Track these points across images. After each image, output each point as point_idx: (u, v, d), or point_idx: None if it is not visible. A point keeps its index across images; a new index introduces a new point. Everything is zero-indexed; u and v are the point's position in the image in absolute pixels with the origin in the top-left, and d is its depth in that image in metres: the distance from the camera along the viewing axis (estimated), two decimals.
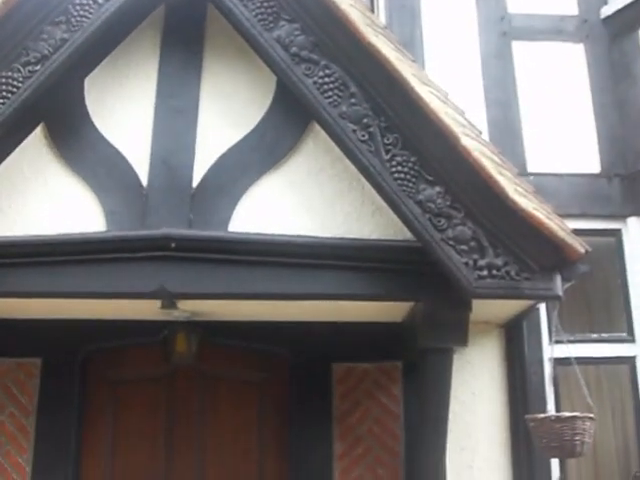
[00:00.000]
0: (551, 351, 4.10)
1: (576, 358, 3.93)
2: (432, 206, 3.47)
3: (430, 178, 3.51)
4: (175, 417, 4.37)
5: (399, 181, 3.50)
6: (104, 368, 4.43)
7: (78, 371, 4.32)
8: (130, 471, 4.28)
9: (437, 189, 3.49)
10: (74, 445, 4.16)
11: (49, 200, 3.79)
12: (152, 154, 3.79)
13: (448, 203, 3.48)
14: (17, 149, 3.78)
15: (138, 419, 4.36)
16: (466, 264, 3.42)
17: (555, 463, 4.36)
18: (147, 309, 3.90)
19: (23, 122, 3.72)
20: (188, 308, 3.91)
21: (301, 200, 3.74)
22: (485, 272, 3.43)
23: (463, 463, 4.19)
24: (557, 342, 4.01)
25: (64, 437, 4.18)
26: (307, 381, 4.26)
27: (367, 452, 4.20)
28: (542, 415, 3.71)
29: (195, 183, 3.75)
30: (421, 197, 3.48)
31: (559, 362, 4.17)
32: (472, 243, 3.45)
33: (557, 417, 3.61)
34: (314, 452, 4.17)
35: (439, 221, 3.45)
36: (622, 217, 4.85)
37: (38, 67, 3.64)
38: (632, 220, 4.83)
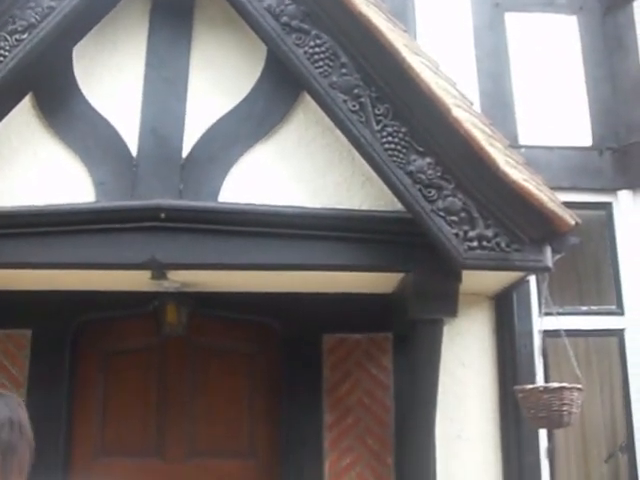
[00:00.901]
0: (540, 323, 4.12)
1: (565, 330, 3.93)
2: (422, 177, 3.46)
3: (421, 149, 3.50)
4: (166, 387, 4.39)
5: (390, 152, 3.49)
6: (95, 339, 4.43)
7: (69, 342, 4.31)
8: (122, 440, 4.29)
9: (428, 160, 3.48)
10: (65, 415, 4.17)
11: (38, 171, 3.76)
12: (142, 124, 3.76)
13: (439, 174, 3.47)
14: (5, 119, 3.72)
15: (129, 389, 4.37)
16: (456, 235, 3.42)
17: (543, 434, 4.39)
18: (137, 280, 3.90)
19: (11, 92, 3.68)
20: (178, 279, 3.91)
21: (291, 170, 3.73)
22: (475, 243, 3.43)
23: (452, 433, 4.21)
24: (547, 314, 4.02)
25: (55, 408, 4.18)
26: (297, 352, 4.27)
27: (357, 422, 4.22)
28: (530, 386, 3.72)
29: (185, 153, 3.72)
30: (412, 168, 3.47)
31: (548, 334, 4.19)
32: (462, 214, 3.45)
33: (545, 388, 3.63)
34: (304, 422, 4.19)
35: (429, 192, 3.45)
36: (613, 190, 4.84)
37: (25, 35, 3.59)
38: (623, 193, 4.82)
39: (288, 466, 4.19)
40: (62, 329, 4.30)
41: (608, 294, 4.79)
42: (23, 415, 2.15)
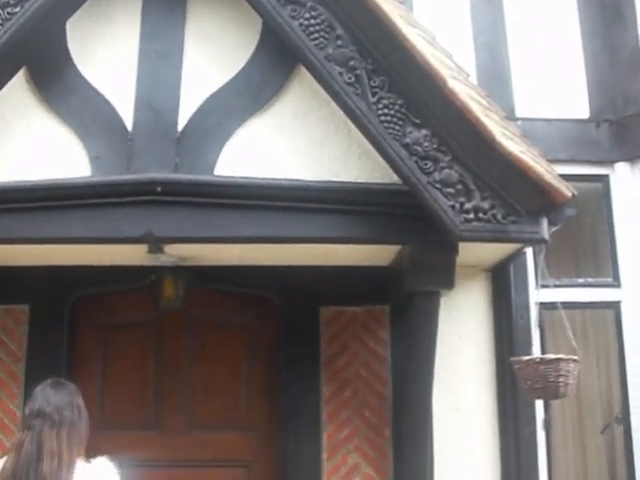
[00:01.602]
0: (537, 295, 4.13)
1: (562, 303, 3.95)
2: (419, 149, 3.45)
3: (417, 121, 3.47)
4: (164, 361, 4.42)
5: (385, 124, 3.47)
6: (93, 314, 4.45)
7: (66, 317, 4.33)
8: (120, 413, 4.32)
9: (424, 132, 3.46)
10: None
11: (33, 145, 3.74)
12: (137, 98, 3.73)
13: (435, 146, 3.46)
14: None
15: (127, 363, 4.40)
16: (452, 207, 3.42)
17: (540, 405, 4.42)
18: (134, 254, 3.90)
19: (4, 66, 3.64)
20: (175, 253, 3.91)
21: (287, 143, 3.71)
22: (471, 215, 3.43)
23: (449, 405, 4.24)
24: (543, 287, 4.03)
25: None
26: (295, 324, 4.29)
27: (355, 395, 4.25)
28: (527, 357, 3.73)
29: (180, 127, 3.70)
30: (408, 140, 3.45)
31: (545, 306, 4.19)
32: (459, 186, 3.43)
33: (542, 359, 3.64)
34: (302, 394, 4.22)
35: (426, 164, 3.44)
36: (610, 162, 4.84)
37: (17, 9, 3.54)
38: (620, 165, 4.82)
39: (286, 438, 4.23)
40: (60, 304, 4.32)
41: (605, 266, 4.80)
42: (80, 400, 2.88)
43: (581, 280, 4.75)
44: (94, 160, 3.69)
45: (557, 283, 4.17)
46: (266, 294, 4.36)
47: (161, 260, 3.99)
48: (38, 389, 2.86)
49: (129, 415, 4.32)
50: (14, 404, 4.23)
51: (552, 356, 3.65)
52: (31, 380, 4.19)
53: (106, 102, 3.74)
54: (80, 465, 2.71)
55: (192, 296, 4.27)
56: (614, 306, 4.71)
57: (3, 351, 4.29)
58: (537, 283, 4.03)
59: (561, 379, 3.58)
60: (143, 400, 4.36)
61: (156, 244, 3.72)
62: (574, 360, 3.62)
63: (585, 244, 4.93)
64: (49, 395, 2.80)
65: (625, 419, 4.54)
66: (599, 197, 4.86)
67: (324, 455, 4.20)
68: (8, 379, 4.26)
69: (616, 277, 4.73)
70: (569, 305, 4.19)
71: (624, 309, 4.67)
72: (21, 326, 4.32)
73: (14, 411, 4.21)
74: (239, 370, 4.40)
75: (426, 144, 3.46)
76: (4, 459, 2.73)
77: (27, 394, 4.11)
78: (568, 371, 3.60)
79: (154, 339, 4.44)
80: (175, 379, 4.39)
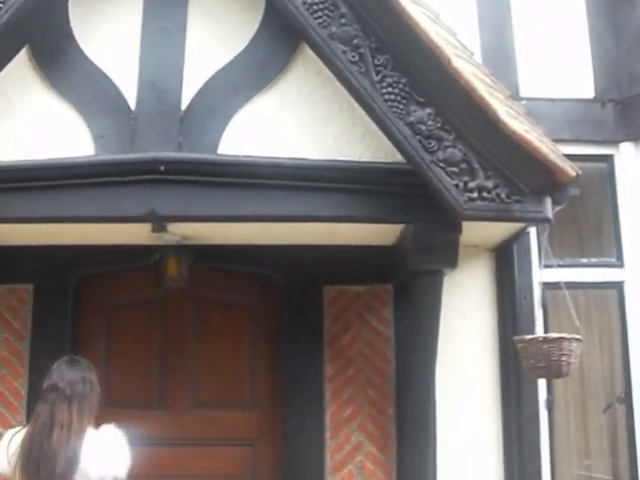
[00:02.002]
0: (540, 275, 4.13)
1: (565, 283, 3.94)
2: (423, 128, 3.44)
3: (421, 100, 3.47)
4: (168, 340, 4.44)
5: (389, 103, 3.46)
6: (96, 293, 4.47)
7: (70, 296, 4.35)
8: (125, 392, 4.34)
9: (428, 111, 3.46)
10: None
11: (36, 124, 3.73)
12: (140, 76, 3.72)
13: (439, 125, 3.45)
14: (1, 73, 3.68)
15: (131, 342, 4.42)
16: (456, 186, 3.42)
17: (542, 385, 4.43)
18: (138, 233, 3.90)
19: (6, 45, 3.63)
20: (179, 232, 3.92)
21: (291, 122, 3.70)
22: (475, 194, 3.43)
23: (452, 384, 4.26)
24: (547, 266, 4.03)
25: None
26: (299, 304, 4.31)
27: (358, 373, 4.28)
28: (530, 336, 3.74)
29: (184, 106, 3.69)
30: (412, 119, 3.44)
31: (548, 286, 4.21)
32: (462, 165, 3.43)
33: (545, 338, 3.65)
34: (306, 373, 4.24)
35: (429, 143, 3.43)
36: (615, 142, 4.80)
37: None
38: (624, 145, 4.79)
39: (289, 417, 4.25)
40: (64, 283, 4.34)
41: (608, 247, 4.79)
42: (92, 374, 3.19)
43: (584, 260, 4.74)
44: (97, 139, 3.68)
45: (560, 263, 4.16)
46: (270, 273, 4.37)
47: (165, 239, 4.00)
48: (55, 366, 3.17)
49: (133, 393, 4.34)
50: (18, 382, 4.26)
51: (555, 335, 3.65)
52: (35, 359, 4.24)
53: (109, 80, 3.73)
54: (90, 432, 3.02)
55: (196, 275, 4.27)
56: (617, 286, 4.70)
57: (8, 330, 4.31)
58: (540, 263, 4.05)
59: (564, 358, 3.59)
60: (147, 378, 4.38)
61: (159, 223, 3.73)
62: (577, 339, 3.63)
63: (589, 224, 4.92)
64: (63, 371, 3.12)
65: (627, 398, 4.54)
66: (603, 177, 4.84)
67: (327, 433, 4.23)
68: (13, 357, 4.29)
69: (619, 257, 4.71)
70: (572, 285, 4.19)
71: (627, 289, 4.66)
72: (25, 305, 4.34)
73: (18, 389, 4.25)
74: (243, 349, 4.43)
75: (430, 123, 3.45)
76: (26, 429, 3.06)
77: (31, 372, 4.21)
78: (571, 350, 3.60)
79: (158, 318, 4.46)
80: (179, 357, 4.41)
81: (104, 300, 4.47)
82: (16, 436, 3.07)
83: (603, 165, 4.83)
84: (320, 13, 3.54)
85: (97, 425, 3.12)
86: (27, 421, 3.84)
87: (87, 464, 2.94)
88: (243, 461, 4.36)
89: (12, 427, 4.12)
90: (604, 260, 4.76)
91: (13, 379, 4.27)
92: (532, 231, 4.41)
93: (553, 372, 3.65)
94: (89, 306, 4.46)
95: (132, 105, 3.70)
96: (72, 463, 2.91)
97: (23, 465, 2.95)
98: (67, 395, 3.03)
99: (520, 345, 3.72)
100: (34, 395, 4.12)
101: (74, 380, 3.09)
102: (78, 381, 3.09)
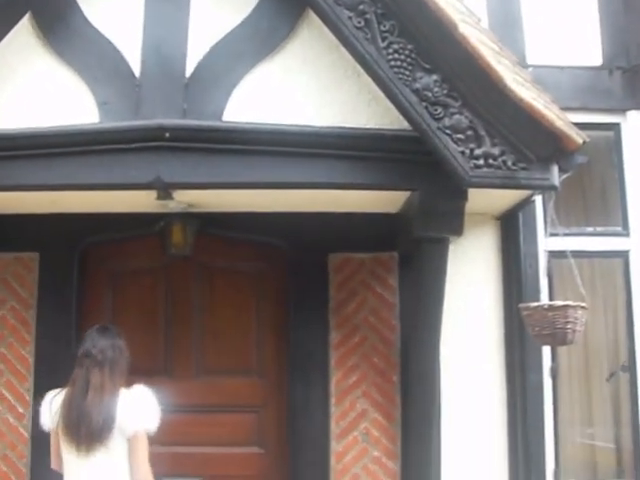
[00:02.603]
0: (546, 244, 4.13)
1: (571, 251, 3.94)
2: (429, 94, 3.41)
3: (427, 66, 3.44)
4: (174, 307, 4.47)
5: (395, 69, 3.43)
6: (102, 260, 4.49)
7: (76, 264, 4.37)
8: (130, 359, 4.35)
9: (434, 77, 3.43)
10: (75, 336, 4.20)
11: (39, 92, 3.70)
12: (144, 43, 3.69)
13: (445, 91, 3.42)
14: (4, 40, 3.64)
15: (137, 309, 4.45)
16: (462, 153, 3.40)
17: (547, 354, 4.45)
18: (143, 201, 3.90)
19: (8, 11, 3.60)
20: (184, 199, 3.91)
21: (297, 89, 3.67)
22: (481, 161, 3.41)
23: (457, 351, 4.28)
24: (552, 235, 4.03)
25: (65, 328, 4.27)
26: (304, 271, 4.32)
27: (363, 341, 4.30)
28: (535, 304, 3.75)
29: (189, 72, 3.66)
30: (418, 85, 3.42)
31: (554, 255, 4.19)
32: (469, 132, 3.41)
33: (550, 305, 3.66)
34: (311, 341, 4.27)
35: (436, 110, 3.41)
36: (622, 111, 4.77)
37: None
38: (632, 114, 4.75)
39: (295, 384, 4.28)
40: (69, 251, 4.35)
41: (614, 215, 4.77)
42: (121, 341, 3.47)
43: (590, 229, 4.72)
44: (102, 106, 3.66)
45: (566, 232, 4.16)
46: (275, 241, 4.37)
47: (170, 207, 4.00)
48: (87, 333, 3.48)
49: (139, 360, 4.26)
50: (25, 350, 4.30)
51: (560, 303, 3.66)
52: (42, 326, 4.27)
53: (113, 47, 3.70)
54: (122, 392, 3.31)
55: (201, 243, 4.29)
56: (623, 255, 4.69)
57: (14, 298, 4.34)
58: (546, 231, 4.03)
59: (569, 326, 3.60)
60: (153, 345, 4.41)
61: (165, 190, 3.72)
62: (582, 307, 3.63)
63: (595, 193, 4.90)
64: (95, 339, 3.41)
65: (631, 367, 4.56)
66: (610, 145, 4.81)
67: (332, 400, 4.26)
68: (19, 325, 4.32)
69: (625, 226, 4.70)
70: (578, 254, 4.17)
71: (632, 258, 4.65)
72: (31, 273, 4.36)
73: (25, 356, 4.29)
74: (248, 316, 4.45)
75: (436, 89, 3.42)
76: (64, 391, 3.35)
77: (38, 340, 4.25)
78: (576, 318, 3.61)
79: (163, 285, 4.48)
80: (184, 325, 4.44)
81: (110, 268, 4.49)
82: (56, 397, 3.37)
83: (610, 133, 4.80)
84: None
85: (128, 386, 3.37)
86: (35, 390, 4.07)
87: (122, 420, 3.22)
88: (249, 428, 4.40)
89: (19, 394, 4.20)
90: (610, 229, 4.74)
91: (20, 347, 4.30)
92: (538, 199, 4.39)
93: (558, 340, 3.67)
94: (94, 273, 4.47)
95: (136, 72, 3.67)
96: (108, 420, 3.20)
97: (65, 424, 3.26)
98: (99, 360, 3.32)
99: (525, 313, 3.73)
100: (41, 362, 4.22)
101: (104, 347, 3.37)
102: (108, 347, 3.38)
